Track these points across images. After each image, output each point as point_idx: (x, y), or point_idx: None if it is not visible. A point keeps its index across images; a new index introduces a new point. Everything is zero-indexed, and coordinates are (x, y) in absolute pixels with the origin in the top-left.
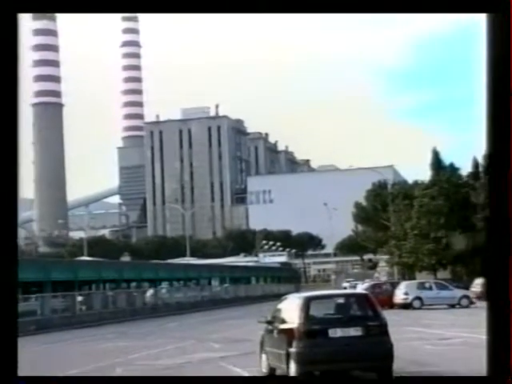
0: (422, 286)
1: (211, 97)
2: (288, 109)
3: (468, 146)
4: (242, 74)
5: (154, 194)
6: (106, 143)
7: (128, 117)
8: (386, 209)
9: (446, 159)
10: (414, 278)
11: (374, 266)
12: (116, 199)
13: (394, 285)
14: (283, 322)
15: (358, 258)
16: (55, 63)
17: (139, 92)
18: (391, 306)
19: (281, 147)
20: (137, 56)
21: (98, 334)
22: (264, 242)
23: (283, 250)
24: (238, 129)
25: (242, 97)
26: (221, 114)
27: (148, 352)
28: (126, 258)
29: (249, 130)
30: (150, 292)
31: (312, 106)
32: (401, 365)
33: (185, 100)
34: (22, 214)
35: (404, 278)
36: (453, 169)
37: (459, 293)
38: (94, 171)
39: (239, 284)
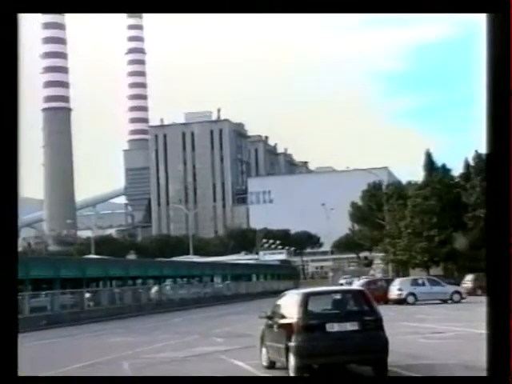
0: (415, 283)
1: (212, 100)
2: (287, 112)
3: (459, 148)
4: (242, 77)
5: (158, 194)
6: (113, 146)
7: (133, 121)
8: (381, 208)
9: (439, 161)
10: (408, 275)
11: (369, 263)
12: (122, 200)
13: (389, 281)
14: (283, 317)
15: (354, 255)
16: (64, 69)
17: (144, 97)
18: (386, 301)
19: (280, 149)
20: (142, 63)
21: (105, 329)
22: (264, 240)
23: (282, 248)
24: (238, 132)
25: (242, 100)
26: (222, 117)
27: (153, 346)
28: (131, 256)
29: (249, 133)
30: (154, 289)
31: (310, 109)
32: (396, 358)
33: (187, 103)
34: (33, 214)
35: (398, 274)
36: (445, 170)
37: (451, 288)
38: (101, 173)
39: (240, 281)
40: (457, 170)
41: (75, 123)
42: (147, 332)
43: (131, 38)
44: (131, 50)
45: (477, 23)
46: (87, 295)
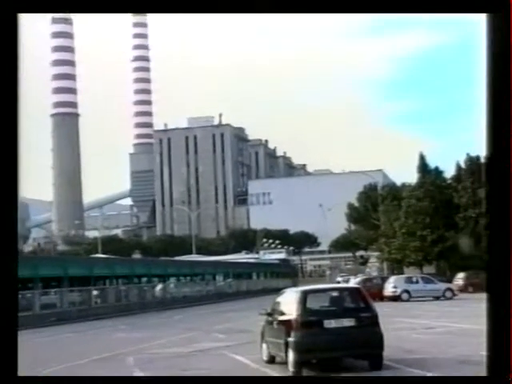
0: (409, 280)
1: (214, 105)
2: (286, 117)
3: (452, 151)
4: (242, 84)
5: (162, 196)
6: (119, 149)
7: (139, 125)
8: (376, 209)
9: (432, 163)
10: (402, 273)
11: (365, 261)
12: (128, 201)
13: (384, 279)
14: (282, 313)
15: (350, 254)
16: (72, 77)
17: (149, 103)
18: (381, 298)
19: (279, 153)
20: (146, 70)
21: (112, 325)
22: (264, 240)
23: (282, 248)
24: (239, 136)
25: (242, 106)
26: (224, 122)
27: (158, 342)
28: (137, 256)
29: (249, 137)
30: (159, 287)
31: (308, 114)
32: (391, 352)
33: (190, 109)
34: (42, 216)
35: (393, 272)
36: (437, 172)
37: (443, 286)
38: (107, 175)
39: (241, 279)
40: (449, 172)
41: (83, 128)
42: (152, 328)
43: (136, 47)
44: (136, 58)
45: (472, 28)
46: (94, 293)
